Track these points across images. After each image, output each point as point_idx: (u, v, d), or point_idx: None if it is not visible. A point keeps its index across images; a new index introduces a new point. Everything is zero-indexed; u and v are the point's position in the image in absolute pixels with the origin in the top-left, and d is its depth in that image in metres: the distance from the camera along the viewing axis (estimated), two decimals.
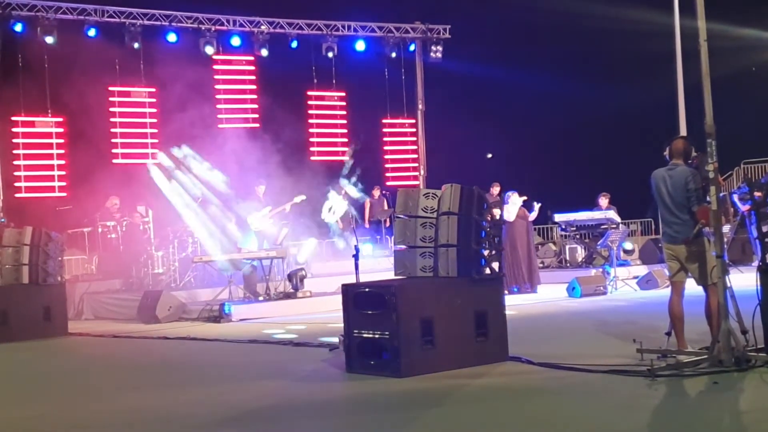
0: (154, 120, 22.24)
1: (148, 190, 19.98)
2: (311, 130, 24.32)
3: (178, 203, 18.67)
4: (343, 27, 24.19)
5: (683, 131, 20.52)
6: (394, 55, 24.83)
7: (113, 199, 19.22)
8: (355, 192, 18.65)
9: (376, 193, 22.56)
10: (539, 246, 22.33)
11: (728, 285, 8.00)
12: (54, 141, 21.27)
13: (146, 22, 21.97)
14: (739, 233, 19.07)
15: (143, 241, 18.59)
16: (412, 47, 25.27)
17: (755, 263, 9.01)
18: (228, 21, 23.04)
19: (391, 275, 9.94)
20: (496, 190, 18.10)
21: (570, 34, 25.57)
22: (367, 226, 21.52)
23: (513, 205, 17.07)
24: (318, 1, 25.05)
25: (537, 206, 17.91)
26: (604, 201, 19.72)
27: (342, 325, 9.09)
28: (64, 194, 21.10)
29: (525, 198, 17.50)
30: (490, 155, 25.01)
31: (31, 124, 21.21)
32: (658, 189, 8.67)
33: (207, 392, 8.60)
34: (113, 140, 21.78)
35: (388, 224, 20.94)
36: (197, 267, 18.05)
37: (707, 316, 8.43)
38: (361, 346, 8.85)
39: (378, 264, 18.08)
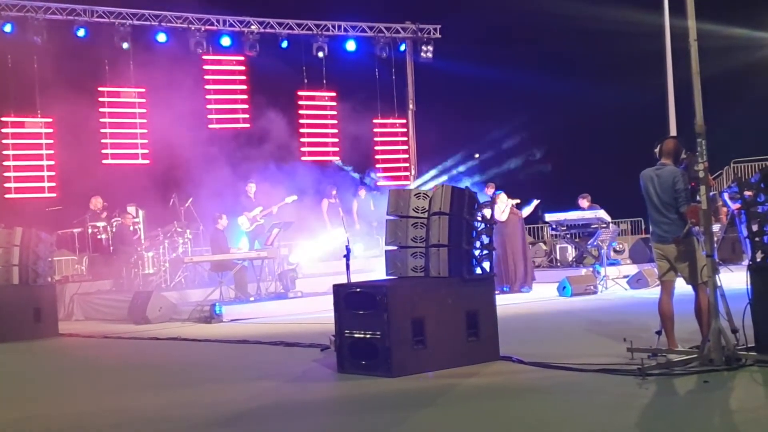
0: (144, 120, 22.18)
1: (137, 191, 19.95)
2: (302, 131, 24.29)
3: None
4: (334, 27, 24.18)
5: (673, 131, 20.57)
6: (384, 55, 24.82)
7: (96, 200, 19.14)
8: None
9: (363, 193, 22.55)
10: (530, 246, 22.35)
11: (718, 284, 8.02)
12: (43, 141, 21.21)
13: (135, 22, 21.92)
14: (729, 232, 19.17)
15: (133, 241, 18.55)
16: (402, 47, 25.27)
17: (745, 262, 9.05)
18: (218, 21, 23.00)
19: (382, 275, 9.93)
20: (490, 191, 18.11)
21: (561, 34, 25.62)
22: (357, 227, 21.44)
23: (502, 204, 17.08)
24: (308, 1, 25.02)
25: (534, 202, 17.98)
26: (584, 202, 19.75)
27: (333, 325, 9.09)
28: (53, 195, 21.04)
29: (518, 201, 17.53)
30: (477, 155, 25.05)
31: (21, 124, 21.16)
32: (646, 189, 8.70)
33: (197, 393, 8.59)
34: (103, 141, 21.72)
35: (375, 224, 20.92)
36: (188, 267, 18.03)
37: (697, 315, 8.45)
38: (353, 346, 8.85)
39: (369, 264, 18.08)
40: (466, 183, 18.54)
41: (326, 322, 10.17)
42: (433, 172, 24.09)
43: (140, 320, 15.40)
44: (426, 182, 23.60)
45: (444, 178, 23.15)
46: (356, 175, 23.32)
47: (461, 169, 23.83)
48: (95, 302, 17.43)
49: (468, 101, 26.78)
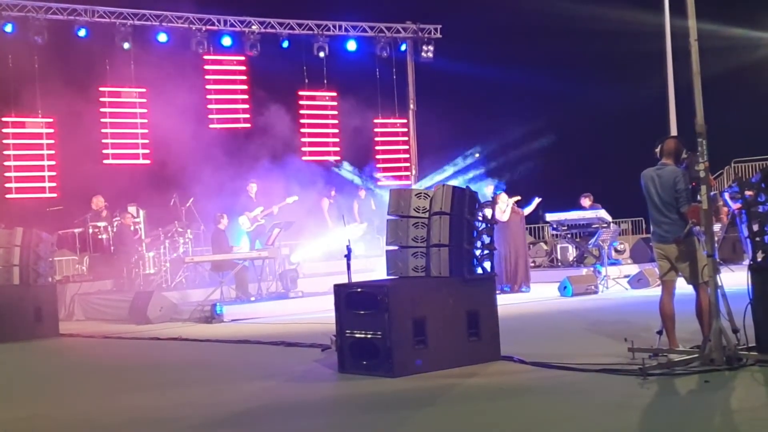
0: (145, 120, 22.18)
1: (138, 191, 19.96)
2: (303, 130, 24.29)
3: None
4: (335, 27, 24.17)
5: (674, 131, 20.57)
6: (385, 54, 24.82)
7: (97, 199, 19.15)
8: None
9: (362, 194, 22.57)
10: (531, 245, 22.37)
11: (719, 284, 8.02)
12: (44, 142, 21.20)
13: (136, 22, 21.91)
14: (730, 232, 19.18)
15: (134, 241, 18.56)
16: (403, 47, 25.27)
17: (746, 262, 9.04)
18: (219, 21, 23.00)
19: (383, 275, 9.93)
20: (490, 189, 18.12)
21: (561, 34, 25.59)
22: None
23: (503, 204, 17.08)
24: (309, 1, 25.02)
25: (536, 200, 18.01)
26: (586, 201, 19.76)
27: (334, 325, 9.09)
28: (54, 195, 21.03)
29: (519, 198, 17.55)
30: (477, 154, 25.13)
31: (22, 125, 21.15)
32: (647, 189, 8.69)
33: (198, 393, 8.59)
34: (104, 141, 21.71)
35: (377, 223, 20.94)
36: (189, 267, 18.03)
37: (698, 315, 8.45)
38: (354, 346, 8.85)
39: (369, 264, 18.08)
40: (459, 180, 18.67)
41: (327, 322, 10.17)
42: (439, 175, 24.10)
43: (141, 320, 15.40)
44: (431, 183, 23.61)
45: (455, 180, 23.15)
46: (356, 179, 23.32)
47: (461, 165, 23.87)
48: (96, 302, 17.43)
49: (468, 101, 26.78)
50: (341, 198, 22.07)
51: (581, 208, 19.72)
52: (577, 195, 20.11)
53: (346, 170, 23.53)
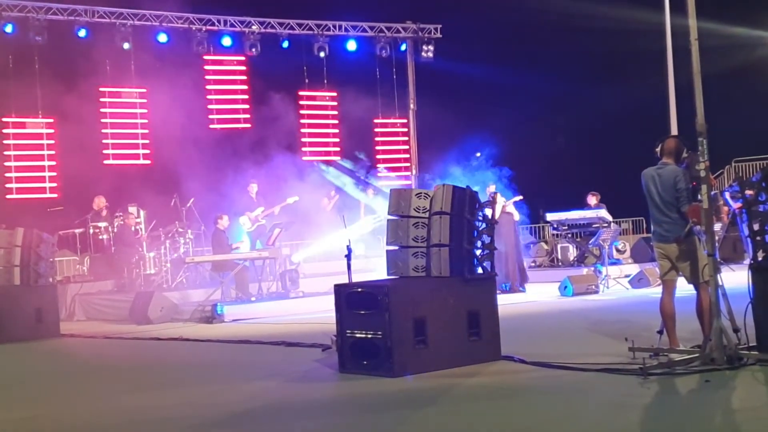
0: (145, 120, 22.16)
1: (139, 191, 19.96)
2: (303, 131, 24.28)
3: None
4: (335, 27, 24.15)
5: (674, 130, 20.56)
6: (385, 54, 24.78)
7: (99, 200, 19.17)
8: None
9: (370, 192, 22.54)
10: (531, 245, 22.35)
11: (720, 283, 8.01)
12: (45, 142, 21.18)
13: (136, 23, 21.88)
14: (730, 231, 19.18)
15: (135, 241, 18.56)
16: (403, 47, 25.21)
17: (746, 261, 9.03)
18: (219, 21, 22.97)
19: (383, 275, 9.92)
20: (492, 188, 18.13)
21: (561, 33, 25.63)
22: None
23: (497, 204, 17.07)
24: (309, 1, 25.01)
25: (516, 197, 18.02)
26: (592, 200, 19.77)
27: (335, 325, 9.09)
28: (55, 195, 21.03)
29: (521, 197, 17.55)
30: (478, 154, 25.14)
31: (22, 125, 21.13)
32: (647, 188, 8.70)
33: (199, 393, 8.59)
34: (104, 141, 21.70)
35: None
36: (189, 267, 18.03)
37: (698, 315, 8.45)
38: (354, 346, 8.85)
39: (370, 264, 18.06)
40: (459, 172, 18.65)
41: (328, 322, 10.18)
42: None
43: (142, 320, 15.41)
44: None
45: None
46: (344, 179, 23.18)
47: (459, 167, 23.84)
48: (97, 303, 17.44)
49: (469, 101, 26.78)
50: (346, 197, 22.00)
51: (587, 205, 19.73)
52: (577, 194, 20.11)
53: (333, 175, 23.30)
